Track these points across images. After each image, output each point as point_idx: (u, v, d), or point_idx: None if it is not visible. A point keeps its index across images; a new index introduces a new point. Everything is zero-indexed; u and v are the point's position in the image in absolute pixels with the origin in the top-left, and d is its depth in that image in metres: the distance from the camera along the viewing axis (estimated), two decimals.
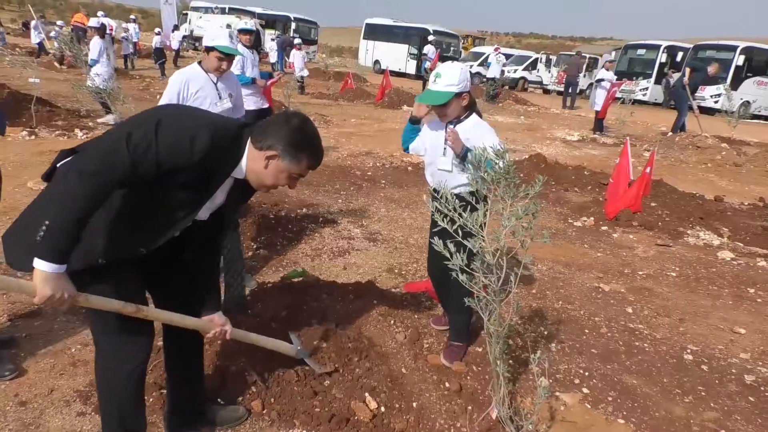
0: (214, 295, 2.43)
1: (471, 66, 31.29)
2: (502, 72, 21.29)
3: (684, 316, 4.16)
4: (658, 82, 26.87)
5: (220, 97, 4.04)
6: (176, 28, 27.78)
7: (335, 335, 3.31)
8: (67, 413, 2.72)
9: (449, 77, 2.99)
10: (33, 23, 19.90)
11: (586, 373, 3.32)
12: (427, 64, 22.21)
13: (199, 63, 4.03)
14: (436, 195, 2.28)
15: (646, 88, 26.80)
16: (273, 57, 25.89)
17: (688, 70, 13.53)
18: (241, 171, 2.04)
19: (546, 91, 31.59)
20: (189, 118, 1.92)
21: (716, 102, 22.03)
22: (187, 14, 35.84)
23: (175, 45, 24.71)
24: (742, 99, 23.10)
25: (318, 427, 2.75)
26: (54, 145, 7.84)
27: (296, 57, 17.41)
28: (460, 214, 2.17)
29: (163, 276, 2.27)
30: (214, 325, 2.39)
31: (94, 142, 1.86)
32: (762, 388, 3.25)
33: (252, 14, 34.63)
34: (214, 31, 3.94)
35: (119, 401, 2.20)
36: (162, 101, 3.85)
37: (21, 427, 2.59)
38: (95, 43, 9.62)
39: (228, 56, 3.92)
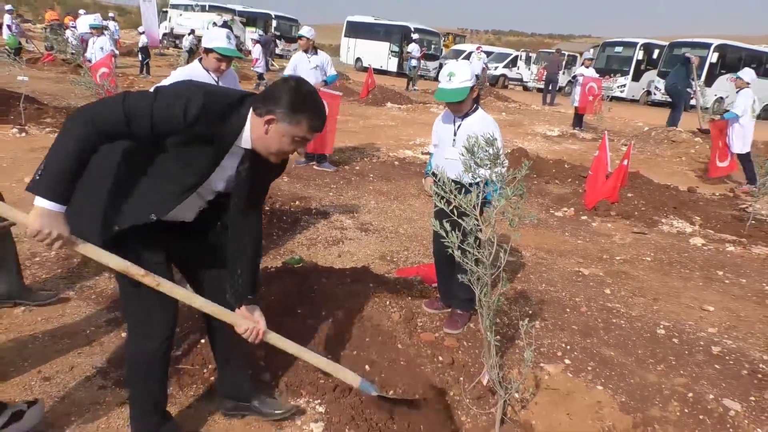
0: (246, 283, 2.31)
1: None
2: (485, 69, 21.57)
3: (658, 296, 4.46)
4: (635, 79, 27.45)
5: None
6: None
7: (338, 314, 3.55)
8: (89, 387, 2.91)
9: (462, 74, 3.30)
10: (7, 19, 19.71)
11: (568, 347, 3.59)
12: (413, 63, 22.45)
13: (200, 60, 4.23)
14: (436, 180, 2.54)
15: (624, 85, 27.36)
16: (255, 54, 25.88)
17: (695, 61, 13.82)
18: (247, 140, 2.07)
19: (526, 88, 32.02)
20: (185, 86, 2.00)
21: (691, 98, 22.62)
22: (167, 12, 35.69)
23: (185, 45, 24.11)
24: (716, 95, 23.75)
25: (323, 396, 2.97)
26: (45, 141, 7.94)
27: (254, 52, 17.55)
28: (455, 196, 2.42)
29: (195, 257, 2.40)
30: (245, 319, 2.28)
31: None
32: (727, 357, 3.55)
33: (232, 12, 34.65)
34: (214, 32, 4.14)
35: (144, 377, 2.36)
36: None
37: (48, 399, 2.78)
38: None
39: (226, 57, 4.12)
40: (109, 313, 3.58)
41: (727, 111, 9.28)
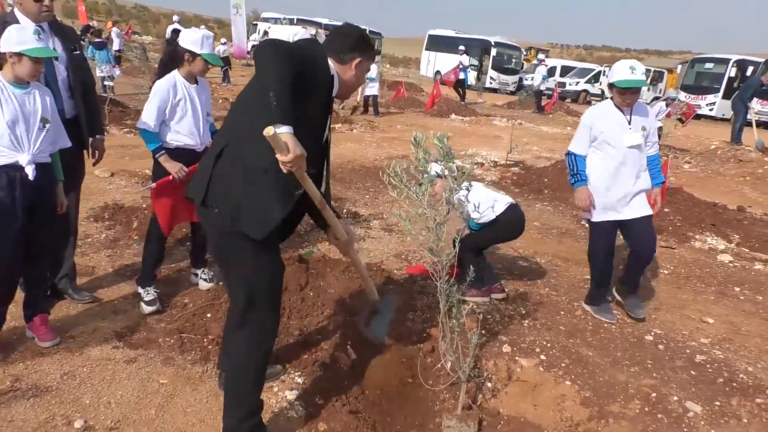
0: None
1: (531, 78, 31.30)
2: (542, 80, 21.25)
3: (661, 306, 4.47)
4: (726, 97, 26.18)
5: None
6: None
7: (331, 301, 3.87)
8: (104, 346, 3.39)
9: None
10: (114, 31, 21.62)
11: (549, 345, 3.72)
12: (469, 74, 22.55)
13: None
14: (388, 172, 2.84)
15: (713, 103, 26.17)
16: None
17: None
18: (335, 88, 2.44)
19: None
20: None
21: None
22: (257, 25, 37.51)
23: None
24: None
25: (304, 369, 3.31)
26: (121, 140, 8.80)
27: None
28: (407, 187, 2.69)
29: None
30: (347, 233, 2.88)
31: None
32: (707, 366, 3.56)
33: (318, 25, 35.97)
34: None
35: (259, 378, 2.55)
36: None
37: (68, 353, 3.28)
38: None
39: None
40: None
41: None
